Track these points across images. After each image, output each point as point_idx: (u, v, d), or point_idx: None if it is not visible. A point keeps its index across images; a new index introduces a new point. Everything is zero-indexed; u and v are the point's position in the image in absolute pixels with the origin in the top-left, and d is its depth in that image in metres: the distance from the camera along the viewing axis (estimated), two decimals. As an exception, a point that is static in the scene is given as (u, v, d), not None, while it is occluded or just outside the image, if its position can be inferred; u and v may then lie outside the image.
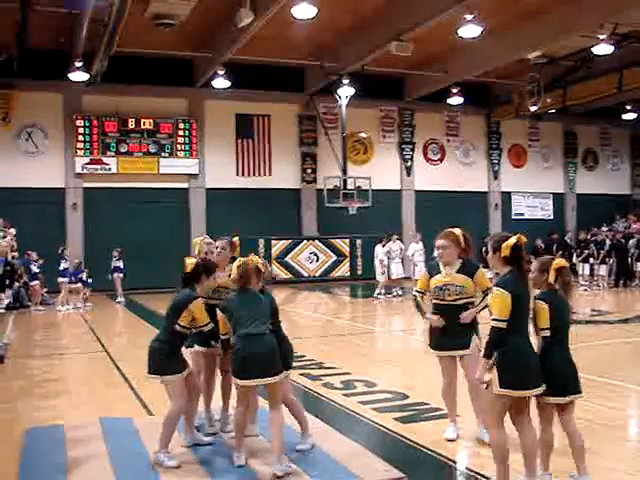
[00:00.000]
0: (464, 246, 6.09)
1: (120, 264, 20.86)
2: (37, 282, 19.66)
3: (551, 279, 4.77)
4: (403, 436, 6.24)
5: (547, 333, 4.65)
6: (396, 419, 6.83)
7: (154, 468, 5.31)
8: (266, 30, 20.03)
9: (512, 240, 4.72)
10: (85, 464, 5.50)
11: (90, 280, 19.98)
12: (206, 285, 5.77)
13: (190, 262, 5.73)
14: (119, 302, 20.69)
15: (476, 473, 5.23)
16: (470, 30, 18.98)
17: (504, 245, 4.71)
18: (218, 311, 5.58)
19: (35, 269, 19.52)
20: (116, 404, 7.83)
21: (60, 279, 19.24)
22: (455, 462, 5.58)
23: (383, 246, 20.83)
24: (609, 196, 33.00)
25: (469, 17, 18.41)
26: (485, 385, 4.64)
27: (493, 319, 4.56)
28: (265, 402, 5.89)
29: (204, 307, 5.63)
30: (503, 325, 4.51)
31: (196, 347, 6.18)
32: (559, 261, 4.86)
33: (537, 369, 4.58)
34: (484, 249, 17.37)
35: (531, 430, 4.71)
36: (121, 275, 20.88)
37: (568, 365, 4.69)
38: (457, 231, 6.17)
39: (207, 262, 5.94)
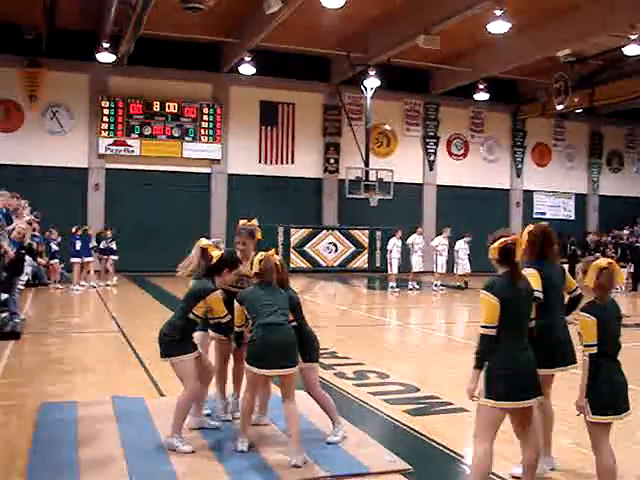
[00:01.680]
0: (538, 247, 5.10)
1: (114, 246, 20.19)
2: (56, 260, 19.79)
3: (589, 281, 4.34)
4: (412, 428, 6.25)
5: (593, 350, 4.21)
6: (406, 411, 6.83)
7: (166, 452, 5.32)
8: (294, 18, 20.04)
9: (500, 242, 4.36)
10: (96, 442, 5.55)
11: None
12: (227, 279, 5.75)
13: (216, 254, 5.70)
14: (109, 285, 19.99)
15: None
16: (499, 26, 18.85)
17: (492, 248, 4.40)
18: (235, 303, 5.56)
19: (55, 247, 19.62)
20: (129, 383, 7.88)
21: (73, 259, 19.09)
22: (460, 456, 5.58)
23: (399, 238, 20.75)
24: (633, 199, 32.69)
25: (498, 12, 18.29)
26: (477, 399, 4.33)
27: (481, 326, 4.27)
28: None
29: (222, 298, 5.62)
30: (492, 332, 4.21)
31: (210, 332, 6.20)
32: (600, 261, 4.40)
33: (530, 377, 4.28)
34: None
35: (534, 441, 4.51)
36: (115, 258, 20.25)
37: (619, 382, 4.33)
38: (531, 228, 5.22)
39: (233, 256, 5.88)
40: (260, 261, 5.51)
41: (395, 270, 20.60)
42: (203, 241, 5.94)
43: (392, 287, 20.47)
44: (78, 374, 8.42)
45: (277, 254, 5.77)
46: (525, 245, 4.88)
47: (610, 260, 4.44)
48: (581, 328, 4.28)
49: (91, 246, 19.45)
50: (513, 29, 19.58)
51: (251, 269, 5.71)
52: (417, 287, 21.01)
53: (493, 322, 4.21)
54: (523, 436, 4.51)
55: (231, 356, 6.31)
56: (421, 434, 6.07)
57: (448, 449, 5.69)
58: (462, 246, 21.54)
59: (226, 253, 5.84)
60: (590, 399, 4.24)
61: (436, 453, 5.65)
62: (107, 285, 19.74)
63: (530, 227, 5.17)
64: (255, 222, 6.35)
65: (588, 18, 19.76)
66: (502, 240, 4.36)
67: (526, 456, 4.51)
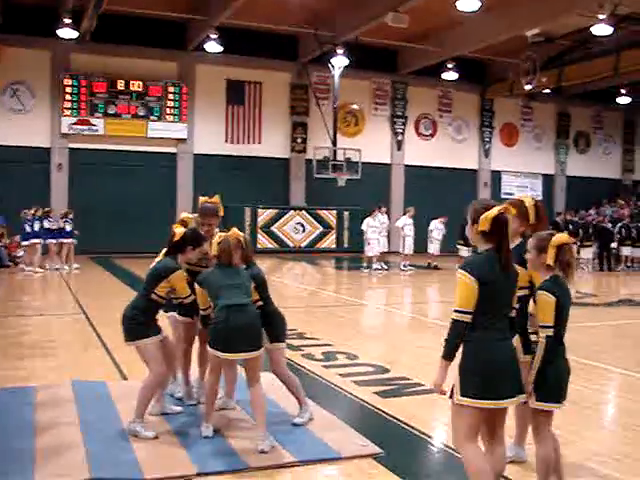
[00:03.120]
0: (534, 220, 4.69)
1: (69, 228, 19.31)
2: (34, 241, 19.01)
3: (549, 260, 4.00)
4: (382, 411, 6.11)
5: (550, 332, 3.91)
6: (376, 393, 6.69)
7: (128, 438, 5.12)
8: (261, -5, 19.70)
9: (494, 211, 3.74)
10: (54, 428, 5.33)
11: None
12: (190, 256, 5.54)
13: (179, 231, 5.48)
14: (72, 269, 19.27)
15: (454, 450, 5.10)
16: (468, 3, 18.69)
17: (483, 217, 3.72)
18: (196, 285, 5.34)
19: (28, 228, 18.87)
20: (91, 367, 7.65)
21: (34, 240, 18.58)
22: (432, 438, 5.46)
23: (373, 218, 20.56)
24: (599, 179, 33.00)
25: (468, -10, 18.11)
26: (448, 394, 3.80)
27: (454, 310, 3.69)
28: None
29: (185, 278, 5.41)
30: (466, 318, 3.65)
31: (174, 314, 6.00)
32: (560, 237, 4.05)
33: (509, 372, 3.74)
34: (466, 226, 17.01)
35: (503, 448, 3.99)
36: (74, 241, 19.42)
37: (566, 369, 4.04)
38: (528, 201, 4.76)
39: (196, 233, 5.67)
40: (219, 242, 5.30)
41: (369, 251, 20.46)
42: (183, 214, 5.76)
43: (375, 268, 20.38)
44: (38, 358, 8.16)
45: (240, 230, 5.56)
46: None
47: (565, 235, 4.10)
48: (540, 307, 3.97)
49: (54, 227, 18.96)
50: (482, 8, 19.42)
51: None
52: (385, 267, 20.89)
53: (468, 306, 3.64)
54: (491, 441, 3.93)
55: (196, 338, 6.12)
56: (392, 416, 5.93)
57: (420, 432, 5.56)
58: (438, 226, 21.46)
59: (189, 230, 5.62)
60: (538, 384, 3.95)
61: (407, 436, 5.52)
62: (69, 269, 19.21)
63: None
64: (217, 199, 6.12)
65: (557, -3, 19.70)
66: (498, 208, 3.76)
67: (493, 464, 3.85)
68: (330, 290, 17.43)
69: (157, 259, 5.66)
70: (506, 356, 3.74)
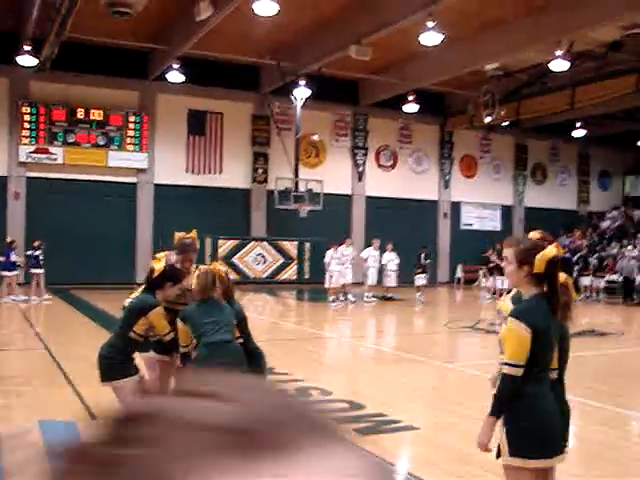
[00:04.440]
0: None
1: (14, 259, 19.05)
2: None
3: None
4: (361, 448, 5.97)
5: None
6: (354, 430, 6.56)
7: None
8: (225, 25, 19.68)
9: (551, 251, 3.45)
10: (23, 476, 5.08)
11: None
12: (169, 293, 5.39)
13: (159, 267, 5.34)
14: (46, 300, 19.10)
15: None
16: (431, 37, 18.88)
17: (540, 258, 3.40)
18: (178, 321, 5.20)
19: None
20: (58, 406, 7.38)
21: (5, 273, 18.39)
22: (417, 477, 5.36)
23: (335, 250, 20.51)
24: (556, 210, 33.46)
25: (431, 24, 18.32)
26: (495, 453, 3.49)
27: (505, 363, 3.37)
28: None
29: (164, 315, 5.26)
30: (520, 372, 3.31)
31: (152, 353, 5.83)
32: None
33: (561, 427, 3.49)
34: (422, 255, 17.05)
35: None
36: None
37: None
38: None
39: (175, 269, 5.54)
40: (198, 276, 5.17)
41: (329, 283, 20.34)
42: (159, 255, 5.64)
43: (340, 299, 20.23)
44: (0, 397, 7.86)
45: (228, 265, 5.46)
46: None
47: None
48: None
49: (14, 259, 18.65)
50: (443, 42, 19.67)
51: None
52: (352, 299, 20.78)
53: (522, 359, 3.31)
54: None
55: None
56: (374, 455, 5.80)
57: (405, 471, 5.46)
58: (391, 257, 21.46)
59: (168, 266, 5.48)
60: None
61: (389, 474, 5.41)
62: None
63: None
64: (194, 234, 6.01)
65: (516, 33, 20.03)
66: (553, 248, 3.47)
67: None
68: (293, 322, 17.29)
69: (133, 295, 5.50)
70: (558, 411, 3.50)
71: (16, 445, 5.76)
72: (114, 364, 5.09)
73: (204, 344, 4.93)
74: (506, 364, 3.37)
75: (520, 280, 3.54)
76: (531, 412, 3.36)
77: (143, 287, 5.40)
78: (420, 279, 20.63)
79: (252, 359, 5.31)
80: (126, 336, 5.13)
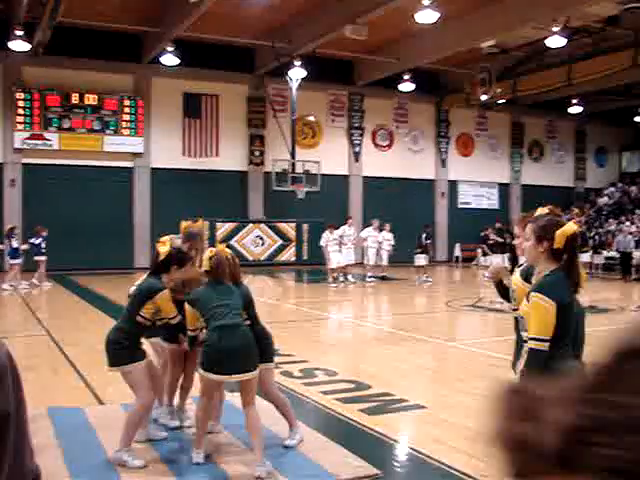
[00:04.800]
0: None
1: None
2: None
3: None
4: (371, 429, 6.00)
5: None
6: (361, 410, 6.58)
7: (114, 468, 4.90)
8: (218, 7, 19.57)
9: (572, 226, 3.48)
10: (36, 458, 5.08)
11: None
12: (176, 277, 5.35)
13: (164, 250, 5.30)
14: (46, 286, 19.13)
15: (449, 467, 5.04)
16: (427, 15, 18.76)
17: (560, 233, 3.42)
18: (186, 304, 5.18)
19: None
20: (64, 391, 7.39)
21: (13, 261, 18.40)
22: (425, 455, 5.37)
23: (335, 229, 20.35)
24: (553, 188, 33.40)
25: (427, 2, 18.21)
26: None
27: (531, 338, 3.35)
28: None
29: (171, 298, 5.23)
30: (546, 346, 3.32)
31: (158, 340, 5.81)
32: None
33: None
34: (424, 235, 17.06)
35: None
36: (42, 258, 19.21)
37: None
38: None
39: (181, 253, 5.51)
40: (210, 258, 5.14)
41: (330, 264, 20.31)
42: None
43: (330, 281, 20.20)
44: (6, 383, 7.84)
45: (228, 248, 5.44)
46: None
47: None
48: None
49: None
50: (439, 20, 19.55)
51: (200, 267, 5.38)
52: (351, 280, 20.80)
53: (548, 334, 3.29)
54: None
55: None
56: (382, 434, 5.83)
57: (413, 449, 5.47)
58: (388, 237, 21.41)
59: (174, 249, 5.46)
60: None
61: (401, 454, 5.43)
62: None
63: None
64: (201, 222, 6.01)
65: (513, 10, 19.91)
66: (572, 224, 3.48)
67: None
68: (294, 304, 17.29)
69: (139, 280, 5.48)
70: None
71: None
72: (122, 349, 5.06)
73: (213, 327, 4.90)
74: (532, 339, 3.35)
75: (538, 256, 3.53)
76: None
77: (149, 271, 5.37)
78: (420, 259, 20.51)
79: (259, 340, 5.29)
80: (134, 320, 5.10)
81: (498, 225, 21.71)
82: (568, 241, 3.44)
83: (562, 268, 3.46)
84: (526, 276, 4.31)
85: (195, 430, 5.21)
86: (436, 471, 5.10)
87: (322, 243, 20.33)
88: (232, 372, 4.85)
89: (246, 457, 5.01)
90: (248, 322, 5.26)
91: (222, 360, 4.82)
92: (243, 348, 4.88)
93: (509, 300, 4.69)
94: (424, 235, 20.82)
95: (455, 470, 4.97)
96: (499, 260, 20.68)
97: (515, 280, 4.49)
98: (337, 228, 20.38)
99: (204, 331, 5.12)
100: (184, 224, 5.91)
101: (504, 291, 4.64)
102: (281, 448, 5.31)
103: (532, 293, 3.40)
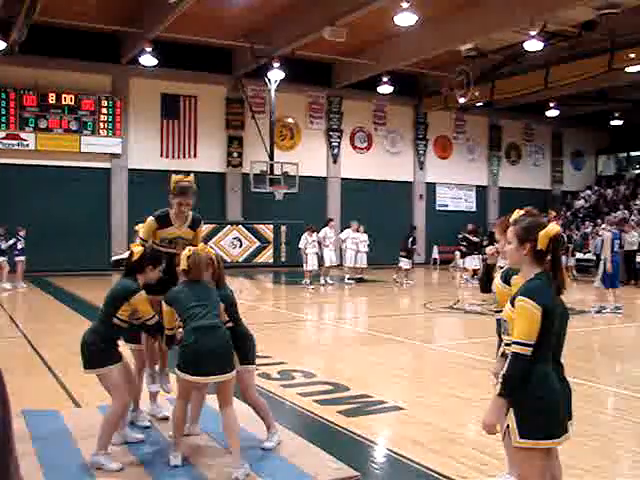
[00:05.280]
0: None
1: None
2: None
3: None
4: (349, 431, 5.99)
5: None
6: (339, 412, 6.58)
7: (91, 471, 4.84)
8: (197, 8, 19.52)
9: (554, 228, 3.41)
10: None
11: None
12: (150, 276, 5.29)
13: (137, 250, 5.25)
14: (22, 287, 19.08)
15: (428, 469, 5.04)
16: (405, 18, 18.81)
17: (543, 234, 3.38)
18: (164, 304, 5.14)
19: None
20: (39, 394, 7.31)
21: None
22: (404, 457, 5.37)
23: (314, 232, 20.42)
24: (530, 190, 33.63)
25: (405, 5, 18.26)
26: (502, 435, 3.48)
27: (515, 342, 3.29)
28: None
29: (147, 299, 5.17)
30: (530, 351, 3.26)
31: (129, 345, 5.82)
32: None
33: (566, 406, 3.47)
34: (410, 239, 17.20)
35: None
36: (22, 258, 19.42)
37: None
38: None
39: (155, 252, 5.43)
40: (188, 257, 5.10)
41: (307, 266, 20.33)
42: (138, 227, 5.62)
43: (306, 283, 20.20)
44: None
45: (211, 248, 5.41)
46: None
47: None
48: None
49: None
50: (418, 23, 19.62)
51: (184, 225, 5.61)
52: (330, 282, 20.83)
53: (532, 338, 3.26)
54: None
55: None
56: (360, 436, 5.83)
57: (391, 451, 5.47)
58: (364, 238, 21.54)
59: (148, 249, 5.40)
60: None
61: (380, 456, 5.43)
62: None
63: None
64: (192, 177, 5.93)
65: (491, 13, 20.05)
66: (555, 225, 3.42)
67: None
68: (271, 305, 17.26)
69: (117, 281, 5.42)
70: (562, 390, 3.43)
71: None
72: (98, 351, 5.00)
73: (190, 328, 4.86)
74: (516, 343, 3.29)
75: (521, 258, 3.49)
76: (540, 392, 3.30)
77: (124, 272, 5.29)
78: (405, 263, 20.73)
79: (241, 342, 5.26)
80: (110, 323, 5.05)
81: (471, 226, 21.87)
82: (551, 242, 3.38)
83: (546, 270, 3.42)
84: (505, 278, 4.35)
85: (172, 432, 5.17)
86: (414, 472, 5.10)
87: (301, 245, 20.39)
88: (209, 373, 4.81)
89: (224, 459, 4.98)
90: (230, 324, 5.23)
91: (199, 361, 4.78)
92: (220, 349, 4.84)
93: (487, 290, 4.70)
94: (410, 239, 21.06)
95: (433, 471, 4.98)
96: (476, 262, 20.77)
97: (495, 282, 4.52)
98: (316, 231, 20.46)
99: (181, 330, 5.07)
100: (175, 177, 5.83)
101: (488, 280, 4.66)
102: (259, 450, 5.28)
103: (518, 297, 3.34)
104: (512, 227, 3.55)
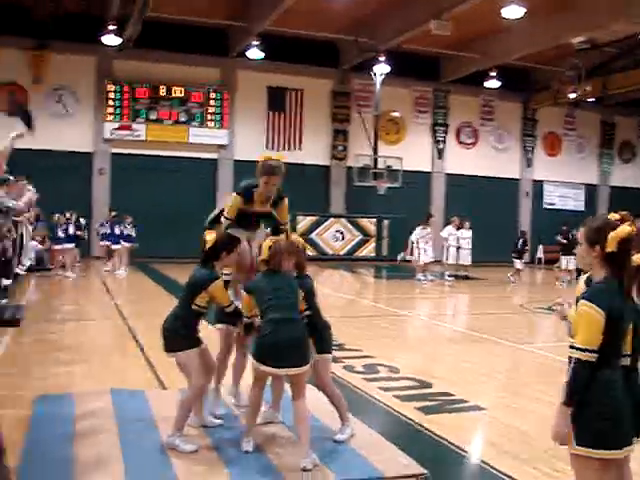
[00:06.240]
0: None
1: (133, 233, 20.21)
2: (65, 246, 19.27)
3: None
4: (425, 428, 5.94)
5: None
6: (418, 409, 6.52)
7: (166, 452, 4.99)
8: (303, 2, 19.67)
9: (625, 229, 3.27)
10: (93, 438, 5.25)
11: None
12: (227, 262, 5.39)
13: (210, 238, 5.36)
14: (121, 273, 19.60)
15: (499, 472, 4.93)
16: (513, 10, 18.43)
17: (612, 235, 3.25)
18: (243, 292, 5.25)
19: (61, 233, 19.03)
20: (130, 374, 7.59)
21: (67, 245, 18.91)
22: (477, 458, 5.28)
23: (423, 228, 20.31)
24: (645, 190, 32.28)
25: (512, -3, 17.86)
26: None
27: (577, 348, 3.19)
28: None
29: (223, 286, 5.27)
30: (593, 357, 3.15)
31: (218, 325, 5.90)
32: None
33: (632, 415, 3.27)
34: (521, 241, 16.77)
35: None
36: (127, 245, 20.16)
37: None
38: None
39: (229, 237, 5.50)
40: (269, 247, 5.17)
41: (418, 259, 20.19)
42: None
43: (421, 278, 20.08)
44: (77, 364, 8.12)
45: (308, 241, 5.46)
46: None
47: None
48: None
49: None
50: (527, 15, 19.14)
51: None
52: (431, 278, 20.61)
53: (595, 344, 3.15)
54: None
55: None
56: (435, 434, 5.76)
57: (464, 451, 5.39)
58: (467, 235, 21.21)
59: (220, 235, 5.48)
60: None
61: (452, 455, 5.35)
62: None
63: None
64: (281, 155, 5.96)
65: (605, 4, 19.30)
66: (626, 226, 3.28)
67: None
68: (370, 299, 17.29)
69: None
70: (630, 399, 3.28)
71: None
72: (177, 335, 5.15)
73: (268, 320, 4.92)
74: (578, 349, 3.20)
75: (590, 260, 3.38)
76: (601, 399, 3.20)
77: (200, 261, 5.40)
78: (518, 263, 20.99)
79: (317, 332, 5.29)
80: (189, 308, 5.19)
81: (564, 227, 21.24)
82: (621, 244, 3.24)
83: (615, 274, 3.29)
84: (589, 284, 4.16)
85: (247, 418, 5.27)
86: (483, 474, 5.01)
87: (413, 239, 20.25)
88: (283, 366, 4.88)
89: (296, 449, 5.03)
90: (308, 312, 5.26)
91: (274, 353, 4.84)
92: (296, 342, 4.89)
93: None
94: (521, 241, 21.03)
95: (503, 474, 4.87)
96: (571, 263, 20.11)
97: (579, 288, 4.32)
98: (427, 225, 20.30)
99: (259, 320, 5.15)
100: (264, 155, 5.83)
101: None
102: (331, 442, 5.31)
103: (581, 301, 3.24)
104: (582, 228, 3.44)
